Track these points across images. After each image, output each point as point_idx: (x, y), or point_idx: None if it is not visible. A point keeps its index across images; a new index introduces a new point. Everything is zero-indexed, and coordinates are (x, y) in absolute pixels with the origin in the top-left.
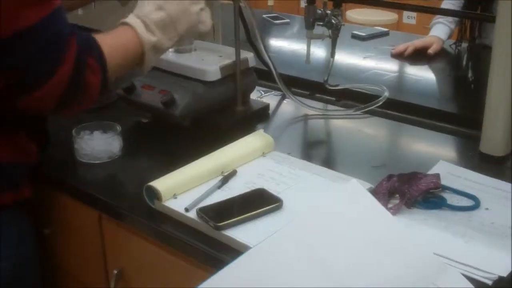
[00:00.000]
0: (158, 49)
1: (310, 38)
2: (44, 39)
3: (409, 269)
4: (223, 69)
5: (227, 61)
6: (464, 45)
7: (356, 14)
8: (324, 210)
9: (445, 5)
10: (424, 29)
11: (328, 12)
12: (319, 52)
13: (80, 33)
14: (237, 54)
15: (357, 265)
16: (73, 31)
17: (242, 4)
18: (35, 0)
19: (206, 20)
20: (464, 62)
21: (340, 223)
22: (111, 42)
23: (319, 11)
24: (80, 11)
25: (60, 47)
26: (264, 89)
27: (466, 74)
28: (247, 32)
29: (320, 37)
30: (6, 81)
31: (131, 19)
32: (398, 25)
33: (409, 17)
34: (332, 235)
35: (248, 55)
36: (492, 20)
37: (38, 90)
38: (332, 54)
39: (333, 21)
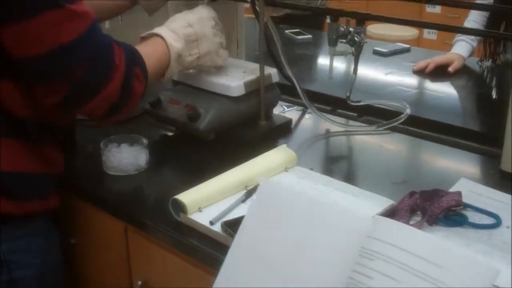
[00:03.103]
0: (181, 61)
1: (333, 55)
2: (91, 50)
3: (344, 237)
4: (247, 84)
5: (251, 77)
6: (489, 62)
7: (377, 29)
8: (256, 216)
9: (467, 22)
10: (445, 44)
11: (351, 29)
12: (341, 67)
13: (124, 44)
14: (261, 70)
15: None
16: (115, 42)
17: (265, 20)
18: (74, 15)
19: (223, 55)
20: (487, 79)
21: (275, 223)
22: (147, 53)
23: (342, 29)
24: (107, 25)
25: (110, 57)
26: (286, 104)
27: (488, 91)
28: (269, 48)
29: (343, 53)
30: (57, 96)
31: (161, 30)
32: (418, 40)
33: (430, 33)
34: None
35: (271, 71)
36: None
37: (93, 99)
38: (355, 71)
39: (356, 38)
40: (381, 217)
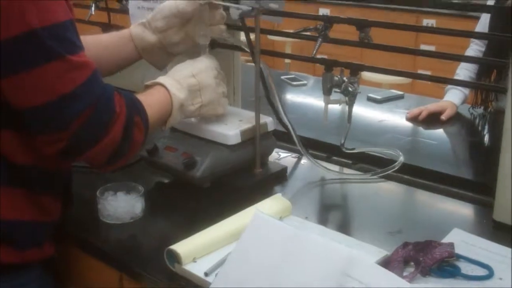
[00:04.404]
0: (183, 110)
1: (327, 104)
2: (92, 100)
3: (322, 270)
4: (243, 133)
5: (247, 126)
6: (480, 109)
7: (371, 74)
8: (246, 249)
9: (460, 70)
10: (438, 88)
11: (345, 79)
12: (336, 112)
13: (125, 93)
14: (257, 119)
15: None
16: (116, 91)
17: (262, 66)
18: (75, 66)
19: (224, 104)
20: (479, 127)
21: (263, 255)
22: (149, 102)
23: (336, 78)
24: None
25: (111, 106)
26: (282, 150)
27: (481, 139)
28: (267, 93)
29: (337, 102)
30: (58, 146)
31: (165, 79)
32: (412, 84)
33: None
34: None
35: (267, 120)
36: (504, 91)
37: (93, 148)
38: (349, 120)
39: (349, 88)
40: (357, 254)
